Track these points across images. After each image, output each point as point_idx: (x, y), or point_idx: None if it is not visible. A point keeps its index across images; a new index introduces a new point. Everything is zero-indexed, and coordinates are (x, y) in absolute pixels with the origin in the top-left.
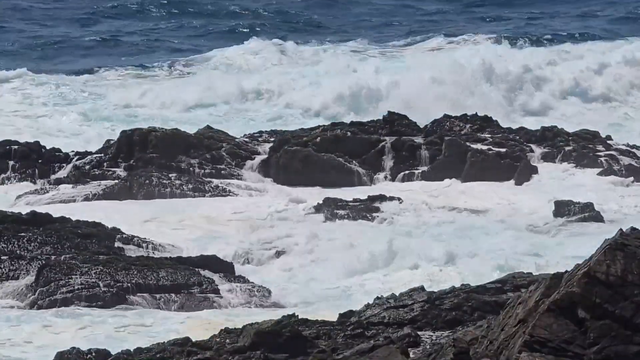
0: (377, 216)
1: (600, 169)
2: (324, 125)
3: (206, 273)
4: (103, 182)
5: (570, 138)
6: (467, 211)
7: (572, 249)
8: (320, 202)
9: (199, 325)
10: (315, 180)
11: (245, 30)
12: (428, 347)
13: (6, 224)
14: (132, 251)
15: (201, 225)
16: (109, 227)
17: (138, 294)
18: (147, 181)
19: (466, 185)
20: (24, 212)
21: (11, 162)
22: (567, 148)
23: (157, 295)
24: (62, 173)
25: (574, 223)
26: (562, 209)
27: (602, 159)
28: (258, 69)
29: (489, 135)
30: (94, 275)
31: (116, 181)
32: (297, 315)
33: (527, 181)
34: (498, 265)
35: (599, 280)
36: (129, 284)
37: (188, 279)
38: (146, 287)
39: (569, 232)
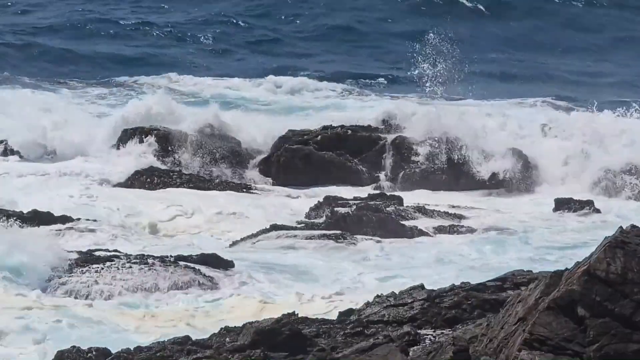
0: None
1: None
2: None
3: (206, 271)
4: None
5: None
6: None
7: None
8: (321, 200)
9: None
10: (317, 179)
11: None
12: (428, 345)
13: None
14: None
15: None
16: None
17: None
18: (149, 180)
19: None
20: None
21: None
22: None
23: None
24: None
25: None
26: (562, 206)
27: None
28: None
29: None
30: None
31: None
32: (297, 314)
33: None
34: None
35: (599, 279)
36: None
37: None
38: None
39: None
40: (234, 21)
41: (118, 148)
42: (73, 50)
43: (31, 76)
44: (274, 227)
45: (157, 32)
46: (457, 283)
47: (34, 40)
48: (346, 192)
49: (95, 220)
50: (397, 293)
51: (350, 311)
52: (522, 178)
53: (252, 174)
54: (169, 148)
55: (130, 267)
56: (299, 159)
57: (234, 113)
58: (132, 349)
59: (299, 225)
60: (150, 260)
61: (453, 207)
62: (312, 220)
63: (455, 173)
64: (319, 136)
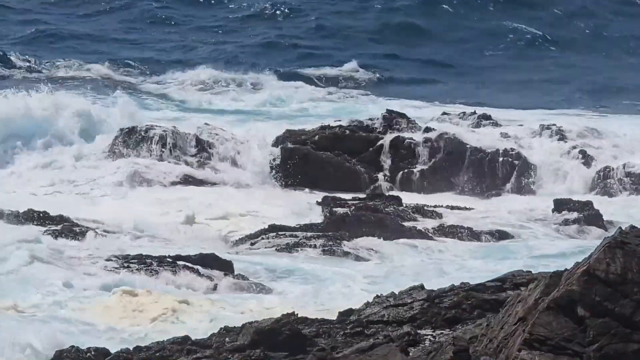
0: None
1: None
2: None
3: (205, 271)
4: None
5: (569, 135)
6: None
7: None
8: (320, 200)
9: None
10: (315, 179)
11: None
12: (428, 345)
13: None
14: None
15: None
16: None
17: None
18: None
19: None
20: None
21: None
22: (566, 146)
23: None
24: None
25: None
26: (561, 206)
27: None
28: None
29: (489, 133)
30: None
31: None
32: (297, 314)
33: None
34: None
35: (599, 279)
36: None
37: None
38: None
39: None
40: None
41: (114, 149)
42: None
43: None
44: (273, 228)
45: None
46: (457, 283)
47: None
48: (344, 192)
49: (91, 221)
50: (397, 293)
51: (350, 311)
52: (521, 178)
53: (250, 174)
54: (166, 147)
55: (129, 266)
56: (296, 159)
57: (233, 116)
58: (131, 348)
59: (297, 226)
60: (148, 261)
61: (452, 207)
62: (311, 221)
63: (454, 173)
64: (317, 136)
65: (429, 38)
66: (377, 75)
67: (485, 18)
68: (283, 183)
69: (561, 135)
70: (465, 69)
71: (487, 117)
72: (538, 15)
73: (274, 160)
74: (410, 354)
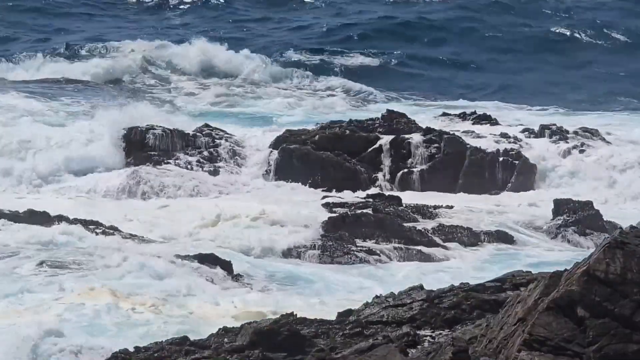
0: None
1: None
2: (322, 124)
3: (204, 271)
4: None
5: (569, 135)
6: None
7: None
8: (319, 200)
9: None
10: (314, 179)
11: None
12: (427, 346)
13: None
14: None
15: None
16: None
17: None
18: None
19: None
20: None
21: None
22: (565, 146)
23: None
24: None
25: None
26: (561, 207)
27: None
28: None
29: (489, 133)
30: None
31: None
32: (296, 314)
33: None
34: None
35: (599, 279)
36: None
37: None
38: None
39: None
40: None
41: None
42: None
43: None
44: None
45: None
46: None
47: None
48: (344, 192)
49: (90, 221)
50: (396, 293)
51: (349, 312)
52: (521, 178)
53: (250, 174)
54: (166, 148)
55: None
56: (296, 159)
57: (232, 116)
58: (130, 349)
59: (296, 227)
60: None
61: (452, 208)
62: (311, 222)
63: (454, 174)
64: (317, 136)
65: (432, 35)
66: (380, 68)
67: (488, 16)
68: (283, 183)
69: (561, 135)
70: (466, 68)
71: (487, 117)
72: (541, 14)
73: (273, 160)
74: (410, 354)
